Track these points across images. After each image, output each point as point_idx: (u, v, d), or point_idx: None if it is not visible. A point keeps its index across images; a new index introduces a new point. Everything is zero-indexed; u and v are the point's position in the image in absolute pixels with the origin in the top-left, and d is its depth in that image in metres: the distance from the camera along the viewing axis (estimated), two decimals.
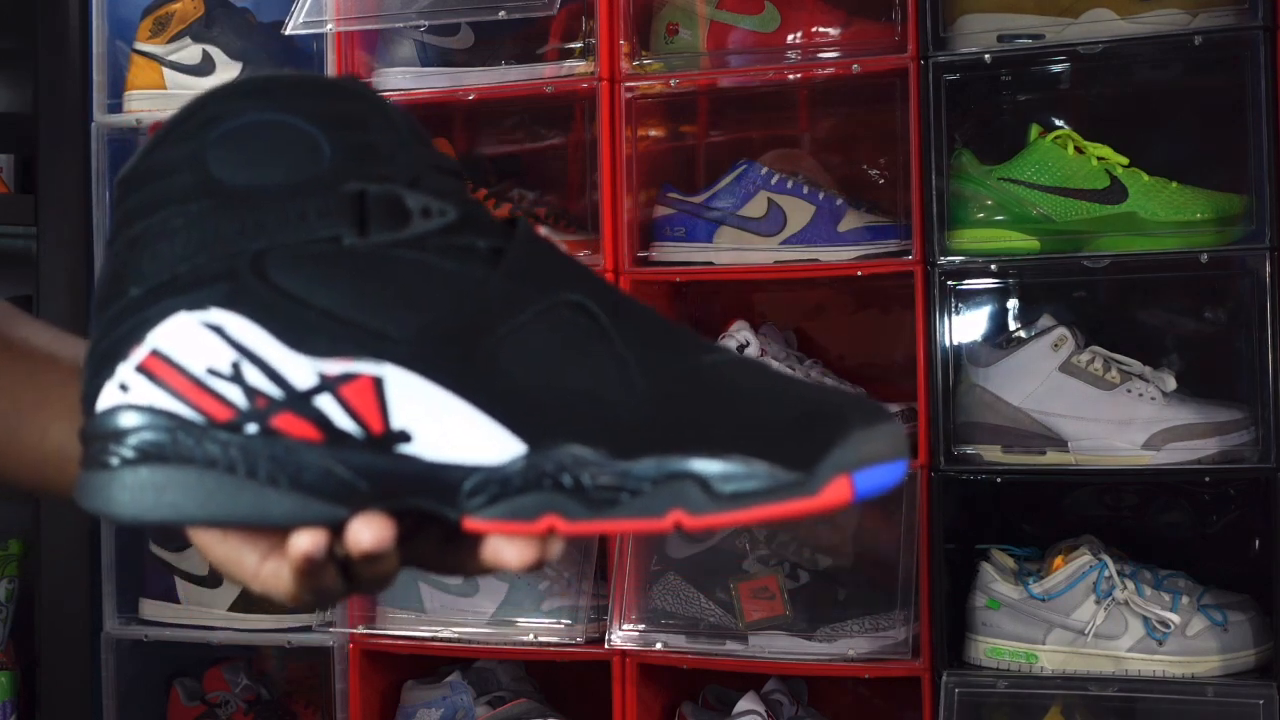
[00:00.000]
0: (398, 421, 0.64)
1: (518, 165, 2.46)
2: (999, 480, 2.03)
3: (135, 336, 0.65)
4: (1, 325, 0.82)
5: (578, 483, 0.62)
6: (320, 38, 2.25)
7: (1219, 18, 1.91)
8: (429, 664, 2.30)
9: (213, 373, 0.64)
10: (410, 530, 0.66)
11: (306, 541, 0.64)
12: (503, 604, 2.15)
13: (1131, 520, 2.17)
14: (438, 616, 2.17)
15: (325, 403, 0.64)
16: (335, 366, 0.64)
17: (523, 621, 2.14)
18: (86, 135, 2.36)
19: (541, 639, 2.13)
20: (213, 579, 2.35)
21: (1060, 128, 2.03)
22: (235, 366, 0.64)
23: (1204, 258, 1.91)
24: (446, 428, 0.63)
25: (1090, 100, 2.19)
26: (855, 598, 2.05)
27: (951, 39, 2.00)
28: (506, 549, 0.64)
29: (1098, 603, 1.92)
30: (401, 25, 2.21)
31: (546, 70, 2.18)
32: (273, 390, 0.64)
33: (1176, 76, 2.15)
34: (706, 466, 0.61)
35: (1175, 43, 1.94)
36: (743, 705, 2.05)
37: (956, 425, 2.00)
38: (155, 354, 0.65)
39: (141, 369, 0.65)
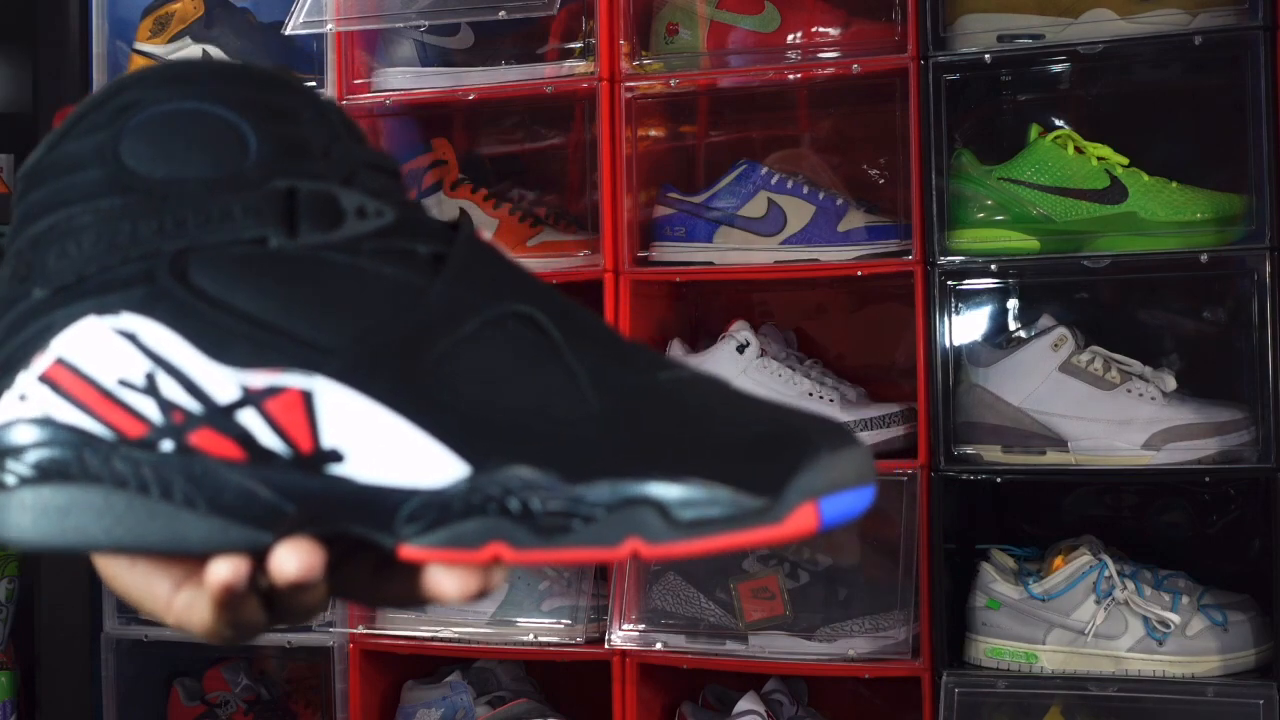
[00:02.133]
0: (329, 440, 0.58)
1: (518, 165, 2.46)
2: (999, 480, 2.03)
3: (38, 343, 0.59)
4: None
5: (526, 508, 0.56)
6: (320, 38, 2.25)
7: (1219, 18, 1.91)
8: (429, 664, 2.30)
9: (124, 384, 0.58)
10: (339, 557, 0.60)
11: (226, 570, 0.58)
12: (503, 604, 2.15)
13: (1131, 520, 2.17)
14: (438, 616, 2.17)
15: (249, 418, 0.58)
16: (260, 379, 0.58)
17: (523, 621, 2.14)
18: None
19: (541, 639, 2.13)
20: None
21: (1060, 128, 2.03)
22: (150, 377, 0.58)
23: (1204, 258, 1.91)
24: (382, 447, 0.58)
25: (1090, 100, 2.19)
26: (855, 598, 2.05)
27: (951, 39, 2.00)
28: (445, 579, 0.59)
29: (1098, 603, 1.92)
30: (401, 25, 2.21)
31: (546, 70, 2.18)
32: (191, 404, 0.58)
33: (1176, 76, 2.16)
34: (665, 491, 0.56)
35: (1175, 43, 1.94)
36: (743, 705, 2.05)
37: (956, 425, 2.00)
38: (60, 362, 0.59)
39: (44, 379, 0.59)
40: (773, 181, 2.13)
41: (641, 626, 2.09)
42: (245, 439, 0.58)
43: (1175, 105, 2.16)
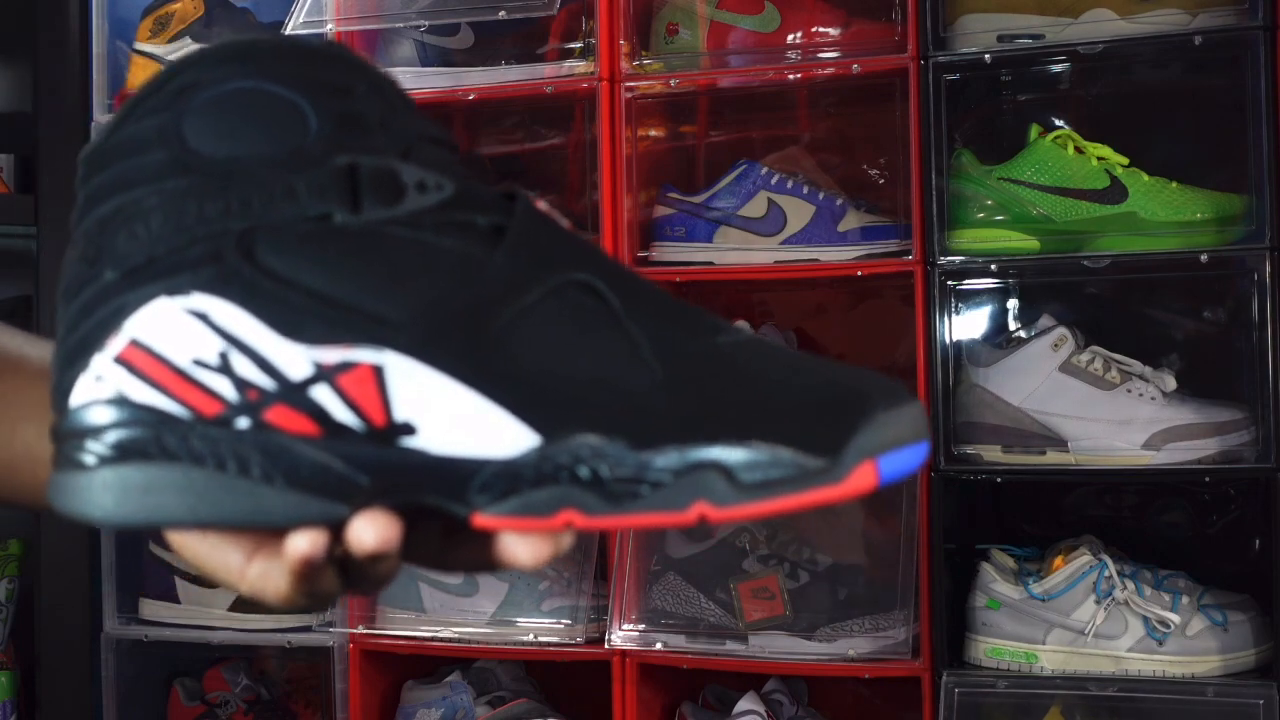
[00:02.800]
0: (401, 413, 0.59)
1: (518, 165, 2.46)
2: (999, 480, 2.03)
3: (112, 325, 0.60)
4: None
5: (595, 475, 0.58)
6: (320, 38, 2.25)
7: (1219, 18, 1.91)
8: (429, 664, 2.30)
9: (198, 363, 0.59)
10: (410, 525, 0.61)
11: (305, 543, 0.60)
12: (503, 604, 2.15)
13: (1131, 520, 2.17)
14: (438, 616, 2.17)
15: (322, 394, 0.59)
16: (332, 355, 0.59)
17: (523, 621, 2.14)
18: (86, 135, 2.36)
19: (541, 639, 2.13)
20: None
21: (1060, 128, 2.03)
22: (223, 356, 0.59)
23: (1204, 258, 1.91)
24: (453, 419, 0.59)
25: (1090, 100, 2.19)
26: (855, 598, 2.05)
27: (951, 39, 2.00)
28: (519, 545, 0.61)
29: (1098, 603, 1.92)
30: (401, 25, 2.21)
31: (546, 70, 2.18)
32: (265, 381, 0.59)
33: (1176, 76, 2.16)
34: (730, 455, 0.57)
35: (1175, 43, 1.94)
36: (743, 705, 2.05)
37: (956, 425, 2.00)
38: (135, 344, 0.60)
39: (120, 360, 0.60)
40: (773, 181, 2.13)
41: (641, 626, 2.09)
42: (319, 414, 0.59)
43: (1175, 105, 2.16)
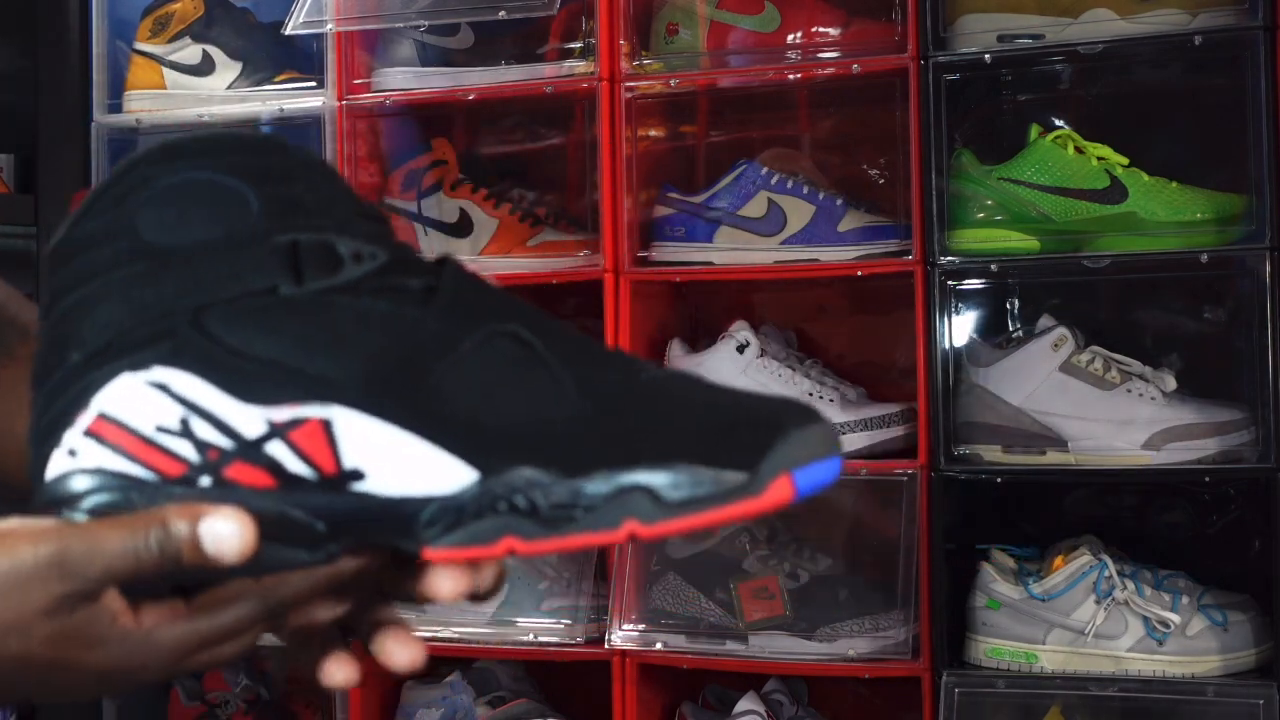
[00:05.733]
0: (349, 461, 0.64)
1: (518, 165, 2.46)
2: (999, 480, 2.03)
3: (80, 402, 0.66)
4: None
5: (532, 503, 0.63)
6: (320, 38, 2.25)
7: (1219, 18, 1.91)
8: (429, 664, 2.29)
9: (162, 430, 0.65)
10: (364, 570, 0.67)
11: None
12: (503, 604, 2.15)
13: (1131, 520, 2.17)
14: (438, 616, 2.17)
15: (276, 449, 0.65)
16: (283, 413, 0.64)
17: (523, 621, 2.14)
18: (86, 135, 2.36)
19: (541, 639, 2.13)
20: None
21: (1060, 128, 2.03)
22: (184, 422, 0.65)
23: (1204, 258, 1.91)
24: (398, 462, 0.64)
25: (1090, 100, 2.19)
26: (855, 598, 2.05)
27: (951, 39, 2.00)
28: (442, 579, 0.67)
29: (1098, 603, 1.92)
30: (401, 25, 2.21)
31: (546, 70, 2.18)
32: (223, 441, 0.65)
33: (1176, 76, 2.15)
34: (654, 477, 0.62)
35: (1175, 43, 1.94)
36: (743, 705, 2.05)
37: (956, 425, 2.00)
38: (102, 417, 0.65)
39: (89, 433, 0.65)
40: (773, 181, 2.13)
41: (641, 626, 2.09)
42: (275, 468, 0.65)
43: (1175, 105, 2.16)
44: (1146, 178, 1.96)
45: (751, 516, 0.63)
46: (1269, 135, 1.85)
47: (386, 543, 0.65)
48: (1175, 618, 1.90)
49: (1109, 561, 1.93)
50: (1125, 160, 1.98)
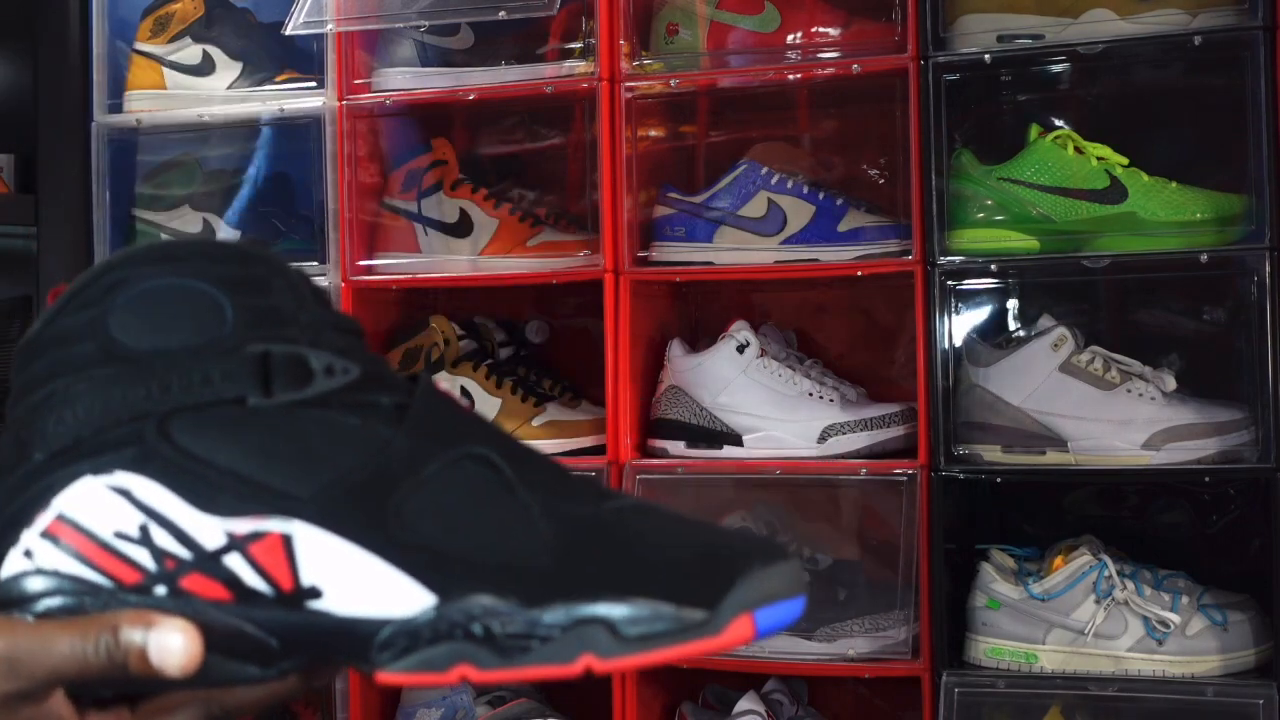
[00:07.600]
0: (308, 578, 0.64)
1: (518, 165, 2.46)
2: (999, 480, 2.03)
3: (40, 502, 0.65)
4: None
5: (489, 632, 0.62)
6: (320, 38, 2.25)
7: (1219, 18, 1.91)
8: None
9: (120, 536, 0.64)
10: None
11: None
12: None
13: (1131, 520, 2.17)
14: None
15: (234, 562, 0.64)
16: (243, 525, 0.64)
17: None
18: (86, 135, 2.36)
19: None
20: None
21: (1060, 128, 2.03)
22: (143, 529, 0.64)
23: (1204, 258, 1.91)
24: (356, 582, 0.63)
25: (1090, 100, 2.19)
26: (855, 598, 2.05)
27: (951, 39, 2.00)
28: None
29: (1097, 602, 1.92)
30: (401, 25, 2.21)
31: (546, 70, 2.18)
32: (181, 551, 0.64)
33: (1176, 76, 2.15)
34: (612, 611, 0.62)
35: (1175, 43, 1.94)
36: (743, 705, 2.05)
37: (956, 425, 2.00)
38: (61, 519, 0.65)
39: (47, 534, 0.65)
40: (773, 181, 2.13)
41: None
42: (232, 581, 0.64)
43: (1175, 105, 2.16)
44: (1146, 178, 1.96)
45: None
46: (1269, 135, 1.85)
47: (339, 662, 0.65)
48: (1175, 618, 1.90)
49: (1109, 561, 1.93)
50: (1125, 160, 1.98)
